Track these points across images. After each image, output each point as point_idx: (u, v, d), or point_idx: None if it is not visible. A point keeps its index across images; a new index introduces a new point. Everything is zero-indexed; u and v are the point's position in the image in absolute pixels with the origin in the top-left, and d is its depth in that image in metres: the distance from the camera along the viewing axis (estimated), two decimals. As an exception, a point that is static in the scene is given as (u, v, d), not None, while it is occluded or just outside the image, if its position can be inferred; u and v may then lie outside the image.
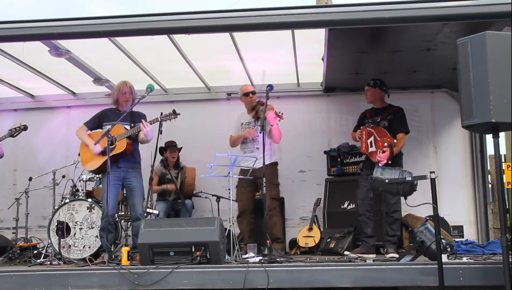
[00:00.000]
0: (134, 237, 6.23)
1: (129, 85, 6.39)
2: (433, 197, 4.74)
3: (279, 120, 6.58)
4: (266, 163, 6.16)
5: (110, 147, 6.08)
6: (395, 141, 6.25)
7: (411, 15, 5.20)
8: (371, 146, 6.36)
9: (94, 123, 6.43)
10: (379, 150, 6.22)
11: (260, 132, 6.32)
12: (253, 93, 6.92)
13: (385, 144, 6.19)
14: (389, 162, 6.17)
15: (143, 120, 6.17)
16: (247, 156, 6.59)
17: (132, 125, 6.24)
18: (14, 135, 6.58)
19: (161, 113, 6.23)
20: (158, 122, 6.16)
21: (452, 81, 6.67)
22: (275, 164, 6.87)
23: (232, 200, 6.56)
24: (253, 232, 6.87)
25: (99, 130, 6.38)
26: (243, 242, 6.72)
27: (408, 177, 5.13)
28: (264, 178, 6.06)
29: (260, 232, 6.88)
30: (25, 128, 6.57)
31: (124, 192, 6.68)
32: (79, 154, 6.59)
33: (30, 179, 7.65)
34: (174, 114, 6.15)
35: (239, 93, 7.14)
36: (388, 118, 6.53)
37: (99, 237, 6.34)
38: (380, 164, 6.07)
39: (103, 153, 6.16)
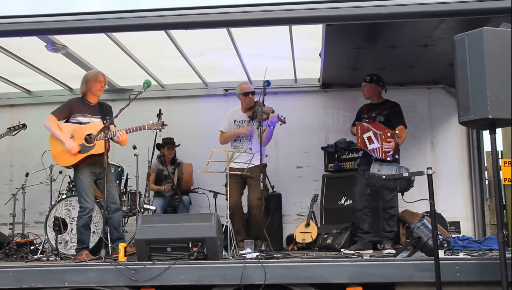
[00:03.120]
0: (116, 229, 6.21)
1: (105, 76, 6.35)
2: (430, 193, 4.75)
3: (280, 124, 6.55)
4: (257, 164, 6.25)
5: (89, 145, 6.03)
6: (396, 132, 6.24)
7: (408, 11, 5.20)
8: (371, 142, 6.31)
9: (63, 114, 6.23)
10: (383, 142, 6.19)
11: (257, 128, 6.33)
12: (253, 93, 6.90)
13: (389, 134, 6.18)
14: (397, 156, 6.17)
15: (121, 130, 6.02)
16: (243, 153, 6.60)
17: (105, 121, 6.14)
18: (13, 134, 6.54)
19: (159, 112, 6.16)
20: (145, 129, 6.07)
21: (449, 77, 6.66)
22: (265, 165, 6.84)
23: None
24: (245, 227, 6.92)
25: (65, 122, 6.24)
26: (237, 238, 6.71)
27: (405, 173, 5.14)
28: (265, 177, 6.13)
29: (249, 229, 7.01)
30: (24, 126, 6.53)
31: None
32: None
33: (27, 174, 7.65)
34: (162, 125, 6.00)
35: (237, 90, 7.10)
36: (383, 113, 6.52)
37: (96, 233, 6.35)
38: (388, 157, 6.07)
39: (79, 150, 6.06)
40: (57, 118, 6.19)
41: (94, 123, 6.14)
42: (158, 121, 6.04)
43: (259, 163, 6.31)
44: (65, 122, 6.25)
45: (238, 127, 7.01)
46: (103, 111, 6.22)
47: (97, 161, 6.07)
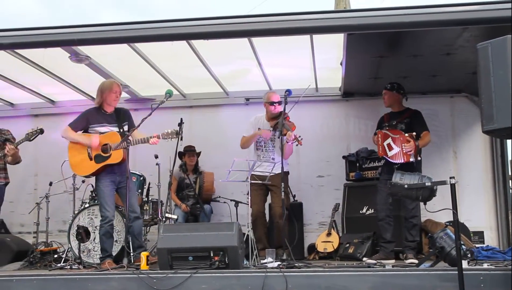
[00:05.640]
0: (137, 237, 6.25)
1: (120, 86, 6.43)
2: (453, 203, 4.69)
3: (296, 145, 6.50)
4: (280, 172, 6.20)
5: (105, 155, 6.11)
6: (414, 133, 6.21)
7: (431, 19, 5.17)
8: (391, 149, 6.30)
9: (81, 125, 6.31)
10: (402, 144, 6.17)
11: (278, 137, 6.34)
12: (279, 103, 6.89)
13: (406, 134, 6.16)
14: (419, 158, 6.13)
15: (154, 138, 6.07)
16: (264, 162, 6.62)
17: (122, 130, 6.22)
18: (31, 139, 6.57)
19: (181, 121, 6.19)
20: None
21: (472, 86, 6.60)
22: (287, 173, 6.87)
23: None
24: (267, 235, 6.92)
25: (83, 132, 6.32)
26: (259, 246, 6.71)
27: (428, 182, 5.09)
28: (282, 184, 6.09)
29: (271, 237, 6.98)
30: (41, 131, 6.55)
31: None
32: None
33: (51, 184, 7.71)
34: (177, 134, 6.03)
35: (263, 98, 7.12)
36: (405, 121, 6.51)
37: (118, 242, 6.39)
38: (411, 158, 6.04)
39: (95, 160, 6.15)
40: (73, 129, 6.28)
41: (111, 133, 6.21)
42: (173, 130, 6.07)
43: (281, 171, 6.30)
44: (83, 132, 6.32)
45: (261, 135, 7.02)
46: (120, 118, 6.27)
47: (118, 170, 6.14)
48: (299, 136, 6.45)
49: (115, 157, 6.07)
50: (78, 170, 6.36)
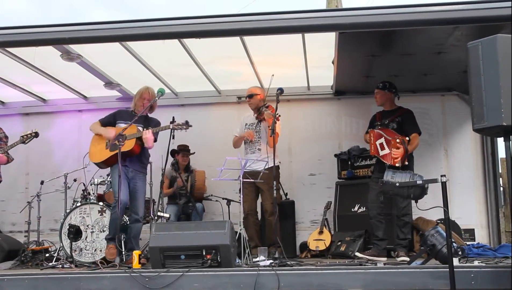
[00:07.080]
0: (132, 239, 6.28)
1: (150, 92, 6.48)
2: (444, 201, 4.72)
3: (274, 122, 6.29)
4: (267, 167, 6.34)
5: (118, 144, 6.18)
6: (407, 138, 6.23)
7: (422, 18, 5.21)
8: (383, 148, 6.32)
9: (109, 120, 6.55)
10: (392, 148, 6.19)
11: (271, 136, 6.33)
12: (249, 96, 7.06)
13: (397, 140, 6.18)
14: (406, 163, 6.15)
15: (150, 128, 6.19)
16: (256, 160, 6.63)
17: (143, 129, 6.29)
18: (26, 142, 6.62)
19: (173, 119, 6.21)
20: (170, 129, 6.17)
21: (463, 84, 6.65)
22: (277, 168, 6.85)
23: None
24: (258, 233, 6.96)
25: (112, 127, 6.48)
26: (251, 244, 6.71)
27: (419, 180, 5.12)
28: (274, 182, 6.10)
29: (262, 235, 7.04)
30: (36, 135, 6.61)
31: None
32: None
33: (42, 182, 7.71)
34: (187, 124, 6.10)
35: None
36: (396, 120, 6.51)
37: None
38: (396, 163, 6.06)
39: (110, 148, 6.28)
40: (101, 122, 6.54)
41: (132, 126, 6.24)
42: (182, 122, 6.13)
43: (271, 166, 6.36)
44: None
45: (248, 129, 7.13)
46: (147, 122, 6.34)
47: (130, 165, 6.21)
48: (277, 113, 6.38)
49: (127, 145, 6.13)
50: (94, 157, 6.48)
